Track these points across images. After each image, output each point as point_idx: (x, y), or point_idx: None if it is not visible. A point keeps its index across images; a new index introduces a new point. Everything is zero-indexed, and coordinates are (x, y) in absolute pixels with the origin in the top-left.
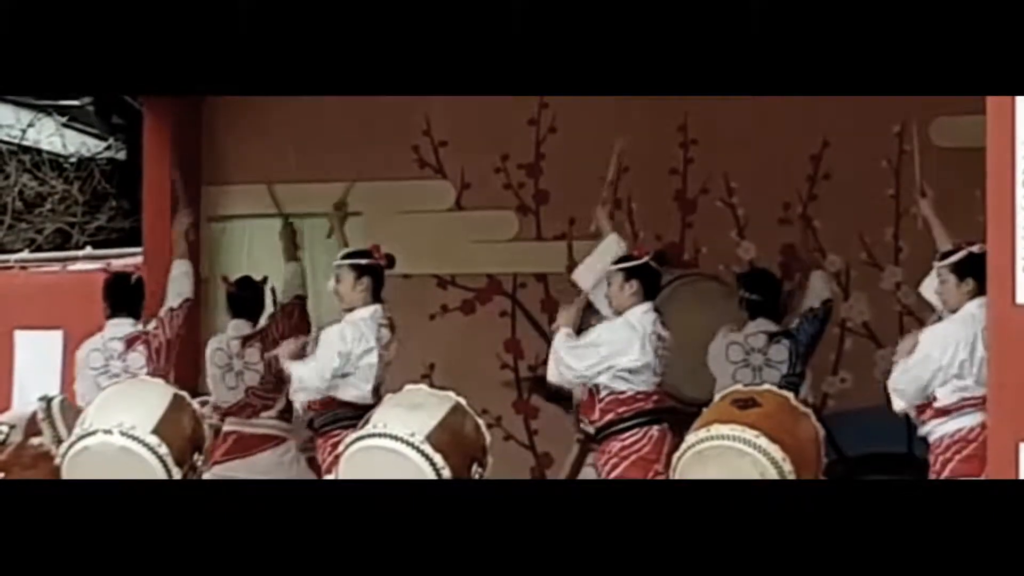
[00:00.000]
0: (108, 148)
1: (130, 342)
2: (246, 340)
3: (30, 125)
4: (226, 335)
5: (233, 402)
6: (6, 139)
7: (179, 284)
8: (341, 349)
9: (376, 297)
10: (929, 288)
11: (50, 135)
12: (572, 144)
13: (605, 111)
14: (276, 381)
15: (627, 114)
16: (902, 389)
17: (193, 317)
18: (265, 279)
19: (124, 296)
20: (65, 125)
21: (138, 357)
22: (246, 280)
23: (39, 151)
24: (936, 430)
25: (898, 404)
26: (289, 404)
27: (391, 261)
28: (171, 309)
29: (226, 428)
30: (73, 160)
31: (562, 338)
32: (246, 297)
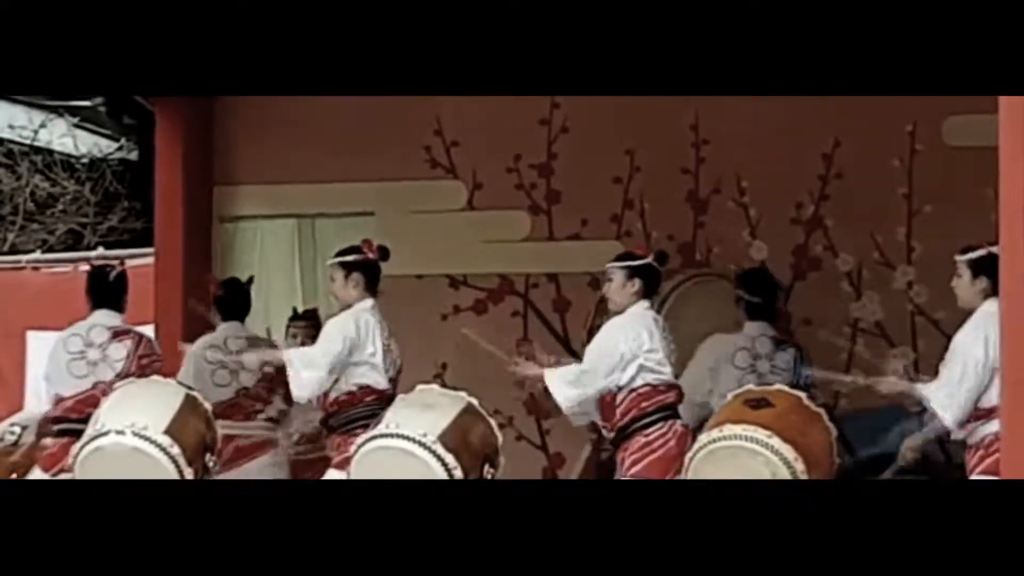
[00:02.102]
0: (120, 149)
1: (117, 334)
2: (250, 342)
3: (42, 126)
4: (220, 335)
5: (222, 400)
6: (18, 140)
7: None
8: (346, 335)
9: (372, 293)
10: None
11: (62, 136)
12: (584, 144)
13: (617, 111)
14: (271, 384)
15: (639, 114)
16: (959, 404)
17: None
18: (251, 279)
19: (106, 290)
20: (77, 126)
21: (120, 349)
22: (232, 282)
23: (51, 152)
24: (979, 430)
25: (951, 421)
26: (279, 409)
27: (384, 254)
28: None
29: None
30: (85, 161)
31: (559, 373)
32: (233, 299)
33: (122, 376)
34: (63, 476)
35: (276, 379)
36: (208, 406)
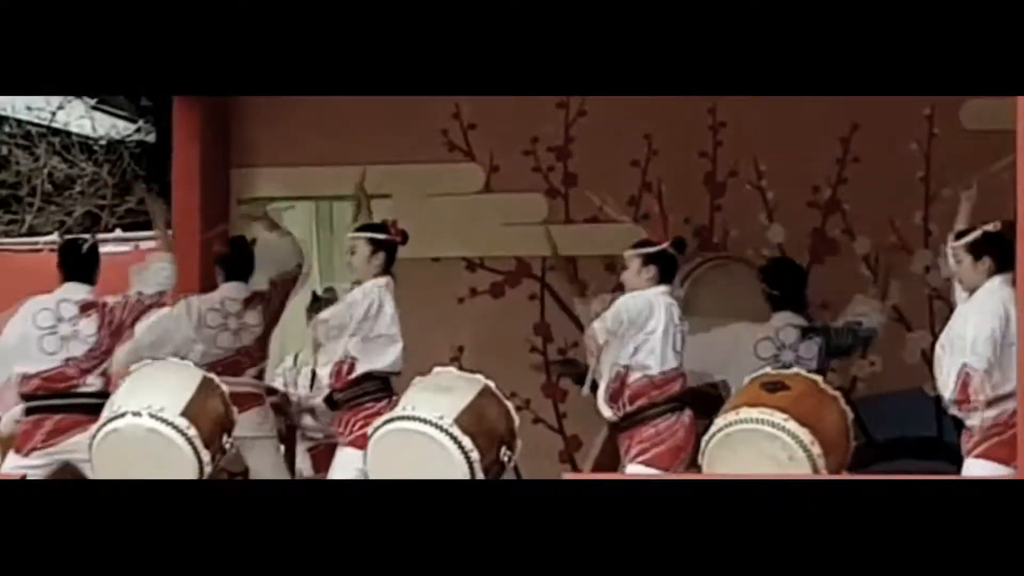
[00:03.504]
0: (138, 131)
1: (84, 308)
2: (248, 301)
3: (60, 108)
4: (220, 295)
5: (220, 359)
6: (36, 121)
7: (159, 275)
8: (359, 309)
9: (387, 272)
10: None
11: (80, 117)
12: (601, 127)
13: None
14: (264, 340)
15: (657, 98)
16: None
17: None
18: (254, 240)
19: (77, 262)
20: (95, 108)
21: (90, 324)
22: (238, 240)
23: (69, 134)
24: (981, 414)
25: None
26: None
27: (405, 237)
28: (140, 294)
29: None
30: (103, 143)
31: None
32: (239, 258)
33: (94, 351)
34: (36, 455)
35: (268, 336)
36: (225, 388)
